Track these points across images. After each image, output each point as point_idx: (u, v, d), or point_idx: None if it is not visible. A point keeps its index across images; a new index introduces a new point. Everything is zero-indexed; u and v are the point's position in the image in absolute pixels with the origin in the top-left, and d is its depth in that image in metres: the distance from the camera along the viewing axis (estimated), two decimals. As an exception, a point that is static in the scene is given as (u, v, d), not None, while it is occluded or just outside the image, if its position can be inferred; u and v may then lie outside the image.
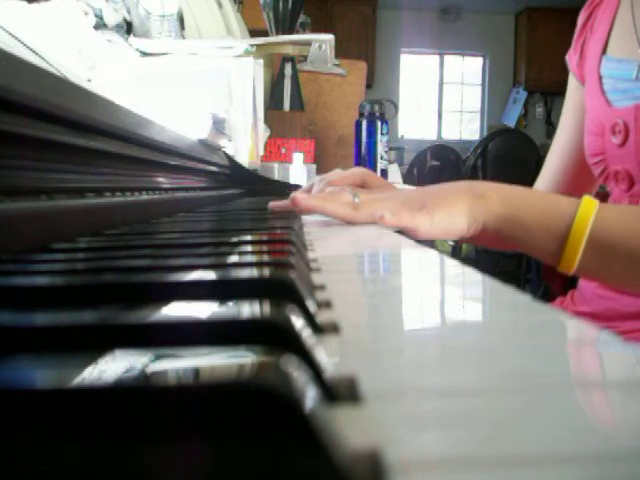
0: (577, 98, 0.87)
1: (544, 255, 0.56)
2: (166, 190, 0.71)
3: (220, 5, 1.70)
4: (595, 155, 0.80)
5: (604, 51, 0.80)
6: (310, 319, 0.19)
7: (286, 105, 1.67)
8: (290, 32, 1.87)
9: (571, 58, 0.88)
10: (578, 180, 0.88)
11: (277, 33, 1.86)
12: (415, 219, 0.53)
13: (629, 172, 0.75)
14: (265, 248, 0.34)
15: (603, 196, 0.83)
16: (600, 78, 0.79)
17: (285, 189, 1.18)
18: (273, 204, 0.66)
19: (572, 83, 0.89)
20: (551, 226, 0.55)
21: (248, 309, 0.18)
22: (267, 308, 0.18)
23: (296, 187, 1.25)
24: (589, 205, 0.55)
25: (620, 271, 0.55)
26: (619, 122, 0.74)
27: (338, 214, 0.56)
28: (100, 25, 1.02)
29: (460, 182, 0.59)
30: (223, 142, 1.06)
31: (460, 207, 0.55)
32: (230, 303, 0.19)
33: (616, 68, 0.77)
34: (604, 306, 0.77)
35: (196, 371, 0.13)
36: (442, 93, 6.17)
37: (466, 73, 6.18)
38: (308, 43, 1.65)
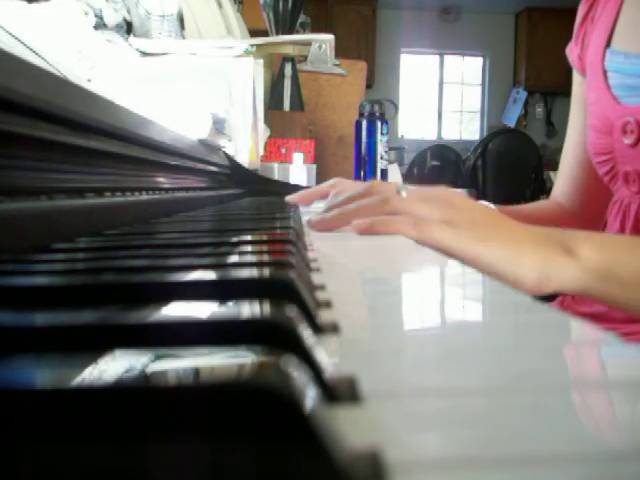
0: (583, 94, 0.83)
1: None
2: (166, 190, 0.71)
3: (220, 5, 1.70)
4: (601, 154, 0.76)
5: (608, 44, 0.76)
6: (310, 319, 0.19)
7: (286, 105, 1.67)
8: (290, 32, 1.87)
9: (572, 51, 0.85)
10: (596, 174, 0.83)
11: (277, 33, 1.86)
12: (473, 246, 0.43)
13: None
14: (265, 248, 0.34)
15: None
16: (605, 72, 0.76)
17: (285, 189, 1.17)
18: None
19: (576, 80, 0.86)
20: None
21: (248, 309, 0.18)
22: (267, 308, 0.18)
23: (295, 187, 1.24)
24: None
25: None
26: (630, 120, 0.71)
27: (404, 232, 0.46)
28: (100, 25, 1.02)
29: (543, 228, 0.48)
30: (223, 142, 1.06)
31: (531, 255, 0.44)
32: (230, 303, 0.19)
33: (624, 62, 0.74)
34: (605, 307, 0.77)
35: (196, 371, 0.13)
36: (442, 93, 6.17)
37: (466, 73, 6.17)
38: (308, 43, 1.65)
